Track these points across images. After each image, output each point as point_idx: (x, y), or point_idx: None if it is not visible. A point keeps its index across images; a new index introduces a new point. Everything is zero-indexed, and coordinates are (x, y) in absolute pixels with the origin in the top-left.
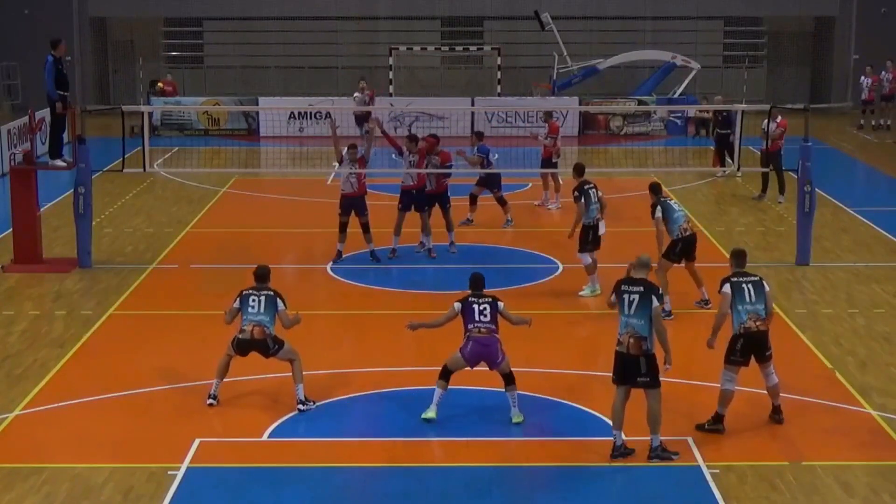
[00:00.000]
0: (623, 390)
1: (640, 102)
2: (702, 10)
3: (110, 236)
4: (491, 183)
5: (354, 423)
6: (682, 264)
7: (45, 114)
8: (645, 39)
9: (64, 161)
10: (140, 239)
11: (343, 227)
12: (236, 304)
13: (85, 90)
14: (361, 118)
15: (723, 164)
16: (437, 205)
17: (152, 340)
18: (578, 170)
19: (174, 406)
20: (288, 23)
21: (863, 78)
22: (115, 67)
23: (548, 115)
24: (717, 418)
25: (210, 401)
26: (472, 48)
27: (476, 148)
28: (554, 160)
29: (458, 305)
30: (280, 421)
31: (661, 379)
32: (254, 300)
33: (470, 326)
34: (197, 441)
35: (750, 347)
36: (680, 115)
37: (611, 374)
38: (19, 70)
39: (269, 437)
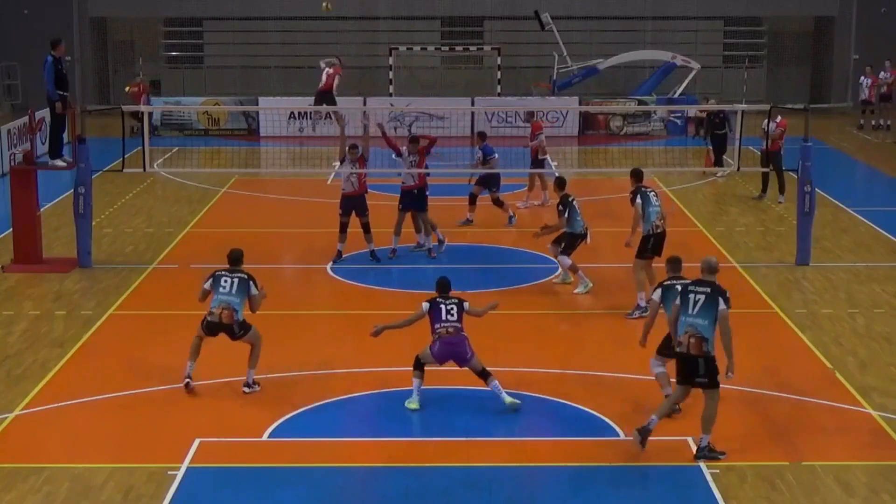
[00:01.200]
0: (683, 390)
1: (640, 102)
2: (702, 10)
3: (110, 236)
4: (490, 182)
5: (354, 423)
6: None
7: (45, 114)
8: (645, 39)
9: (64, 161)
10: (140, 239)
11: (343, 228)
12: (207, 286)
13: (85, 90)
14: (322, 97)
15: (719, 165)
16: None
17: (152, 340)
18: (560, 184)
19: (174, 406)
20: (288, 23)
21: (862, 78)
22: (115, 67)
23: (530, 115)
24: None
25: (186, 380)
26: (472, 48)
27: (480, 149)
28: (540, 157)
29: (426, 305)
30: (280, 421)
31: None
32: (226, 280)
33: (437, 326)
34: (197, 441)
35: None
36: (680, 115)
37: (619, 375)
38: (19, 70)
39: (269, 437)
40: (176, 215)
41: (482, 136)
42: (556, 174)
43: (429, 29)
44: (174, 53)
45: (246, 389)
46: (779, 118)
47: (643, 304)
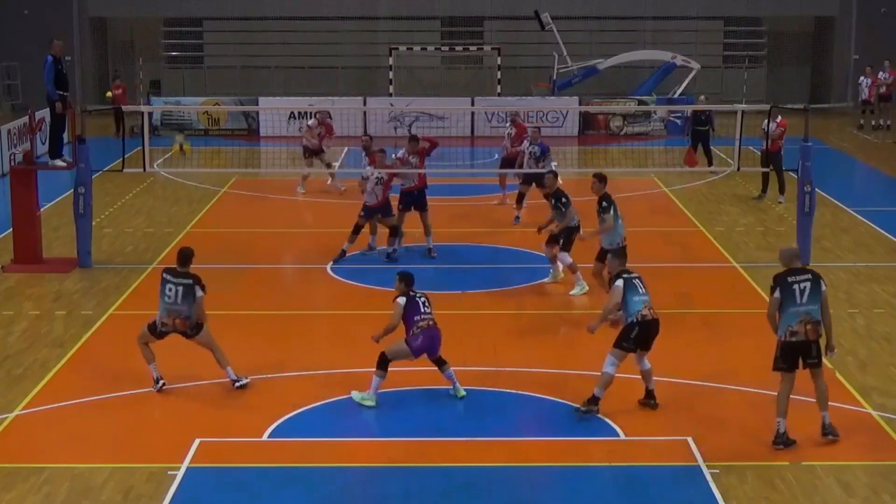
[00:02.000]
0: (791, 378)
1: (640, 102)
2: (702, 10)
3: (110, 236)
4: (538, 180)
5: (354, 423)
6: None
7: (45, 114)
8: (645, 39)
9: (64, 161)
10: (140, 239)
11: (357, 230)
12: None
13: (85, 90)
14: (312, 151)
15: (709, 163)
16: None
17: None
18: (556, 176)
19: (174, 406)
20: (288, 23)
21: (862, 78)
22: (115, 67)
23: (515, 116)
24: (594, 400)
25: (160, 383)
26: (472, 48)
27: (538, 145)
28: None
29: (402, 300)
30: (280, 421)
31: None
32: (170, 289)
33: (417, 319)
34: (197, 441)
35: (644, 336)
36: (680, 114)
37: (618, 375)
38: (19, 70)
39: (269, 437)
40: (176, 215)
41: (538, 130)
42: (553, 168)
43: (429, 29)
44: (174, 53)
45: (237, 385)
46: (779, 118)
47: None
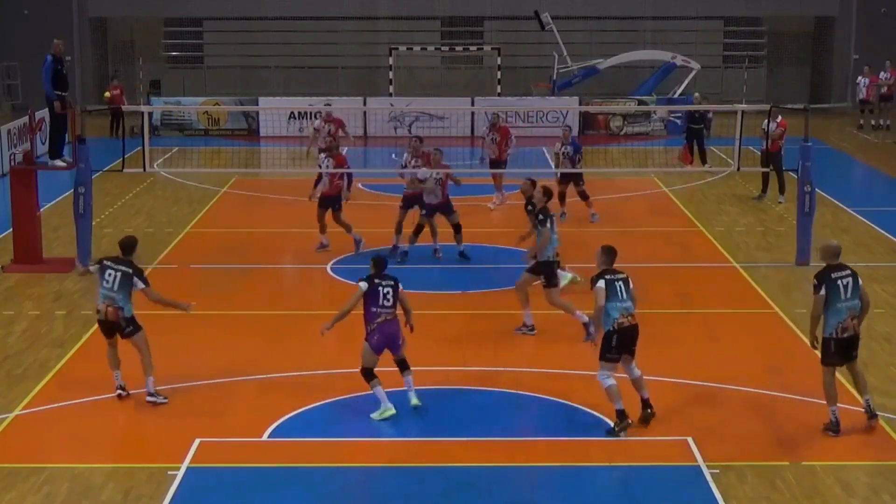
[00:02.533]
0: (834, 370)
1: (640, 102)
2: (702, 10)
3: (110, 236)
4: (575, 178)
5: (354, 423)
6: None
7: (45, 114)
8: (645, 39)
9: (64, 161)
10: (140, 239)
11: (419, 230)
12: (93, 269)
13: (85, 90)
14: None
15: (703, 161)
16: (330, 208)
17: (152, 340)
18: (534, 184)
19: (174, 406)
20: (288, 23)
21: (860, 78)
22: (115, 67)
23: (496, 119)
24: (620, 414)
25: (117, 391)
26: (472, 48)
27: (570, 144)
28: (503, 158)
29: (364, 285)
30: (280, 421)
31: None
32: (109, 274)
33: (374, 310)
34: (197, 441)
35: (625, 341)
36: (680, 114)
37: (619, 375)
38: (19, 70)
39: (269, 437)
40: (176, 215)
41: (569, 129)
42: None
43: (429, 29)
44: (174, 53)
45: (149, 399)
46: (779, 118)
47: (530, 321)
